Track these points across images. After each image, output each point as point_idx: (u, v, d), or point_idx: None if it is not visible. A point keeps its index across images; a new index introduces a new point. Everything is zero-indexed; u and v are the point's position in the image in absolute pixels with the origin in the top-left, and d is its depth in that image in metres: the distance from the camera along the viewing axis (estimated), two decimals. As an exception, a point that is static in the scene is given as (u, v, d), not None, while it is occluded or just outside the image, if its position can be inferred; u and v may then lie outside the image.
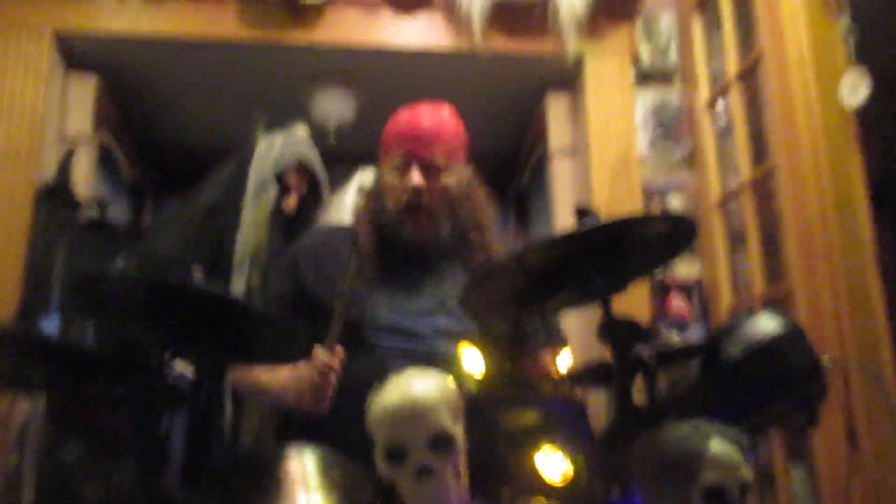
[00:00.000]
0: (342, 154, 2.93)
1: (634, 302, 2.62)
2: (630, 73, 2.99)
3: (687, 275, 2.79)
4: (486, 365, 1.22)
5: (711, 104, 2.86)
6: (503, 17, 2.91)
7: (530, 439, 1.15)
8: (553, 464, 1.12)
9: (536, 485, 1.12)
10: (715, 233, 2.74)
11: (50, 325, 2.26)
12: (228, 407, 2.23)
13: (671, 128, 2.97)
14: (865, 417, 1.92)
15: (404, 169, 1.72)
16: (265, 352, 1.42)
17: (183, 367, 2.10)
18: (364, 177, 2.50)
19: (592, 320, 1.23)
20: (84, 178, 2.82)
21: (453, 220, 1.76)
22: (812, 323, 2.09)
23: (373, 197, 1.81)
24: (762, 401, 1.22)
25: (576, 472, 1.12)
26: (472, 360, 1.23)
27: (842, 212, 2.16)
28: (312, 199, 2.62)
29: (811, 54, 2.28)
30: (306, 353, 1.52)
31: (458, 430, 1.06)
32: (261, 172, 2.52)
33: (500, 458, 1.16)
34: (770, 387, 1.20)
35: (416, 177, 1.70)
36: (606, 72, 2.97)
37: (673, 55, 3.03)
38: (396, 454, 1.04)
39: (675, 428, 1.09)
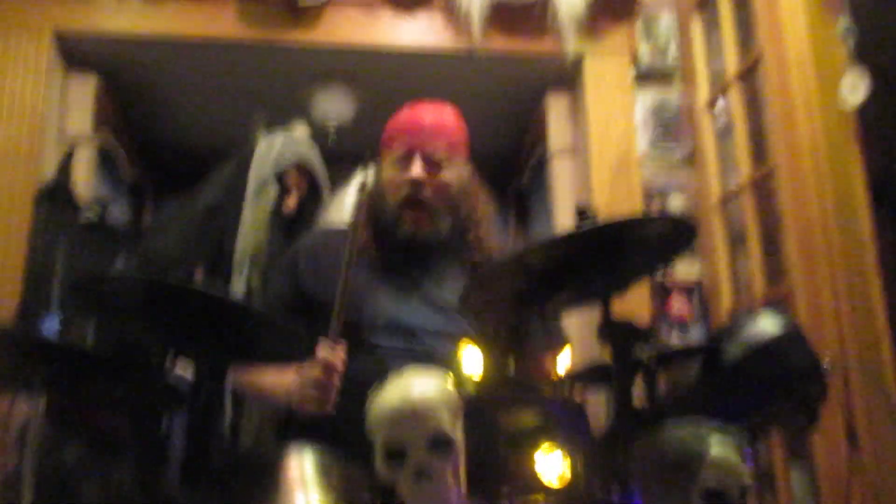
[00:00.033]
0: (342, 154, 2.92)
1: (634, 302, 2.62)
2: (630, 73, 2.99)
3: (687, 275, 2.78)
4: (485, 365, 1.22)
5: (711, 104, 2.86)
6: (503, 17, 2.91)
7: (530, 440, 1.15)
8: (552, 464, 1.12)
9: (536, 485, 1.12)
10: (715, 233, 2.74)
11: (50, 325, 2.26)
12: (228, 407, 2.23)
13: (671, 128, 2.97)
14: (865, 417, 1.92)
15: (405, 162, 1.71)
16: (265, 352, 1.42)
17: (183, 368, 2.10)
18: (364, 176, 2.50)
19: (592, 320, 1.23)
20: (84, 178, 2.82)
21: (453, 217, 1.76)
22: (812, 323, 2.09)
23: (374, 194, 1.80)
24: (762, 401, 1.22)
25: (575, 472, 1.12)
26: (472, 361, 1.23)
27: (842, 212, 2.15)
28: (312, 199, 2.62)
29: (811, 54, 2.28)
30: (306, 354, 1.52)
31: (457, 431, 1.06)
32: (261, 172, 2.51)
33: (500, 458, 1.16)
34: (770, 387, 1.20)
35: (417, 169, 1.70)
36: (606, 72, 2.97)
37: (672, 55, 3.03)
38: (396, 455, 1.04)
39: (675, 428, 1.09)
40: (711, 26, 2.91)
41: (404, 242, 1.73)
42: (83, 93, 2.93)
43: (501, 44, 2.94)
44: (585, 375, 1.50)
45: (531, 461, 1.13)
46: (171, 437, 2.40)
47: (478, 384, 1.21)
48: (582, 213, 1.18)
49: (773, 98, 2.41)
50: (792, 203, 2.29)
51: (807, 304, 2.18)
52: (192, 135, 3.74)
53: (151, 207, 3.96)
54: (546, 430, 1.16)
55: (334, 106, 3.30)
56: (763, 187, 2.56)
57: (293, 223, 2.54)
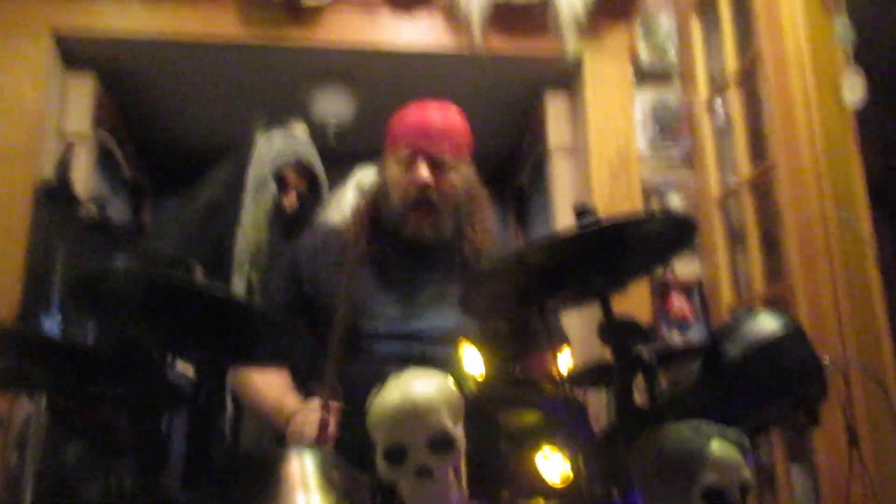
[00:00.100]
0: (342, 154, 2.92)
1: (634, 302, 2.63)
2: (629, 73, 2.99)
3: (687, 275, 2.79)
4: (486, 365, 1.22)
5: (710, 103, 2.86)
6: (503, 18, 2.91)
7: (530, 439, 1.15)
8: (553, 464, 1.12)
9: (536, 485, 1.12)
10: (715, 232, 2.74)
11: (50, 325, 2.25)
12: (228, 407, 2.23)
13: (670, 127, 2.97)
14: (865, 417, 1.92)
15: (411, 164, 1.70)
16: (266, 352, 1.41)
17: (184, 366, 2.10)
18: (362, 175, 2.50)
19: (592, 320, 1.23)
20: (83, 178, 2.82)
21: (456, 219, 1.75)
22: (812, 323, 2.09)
23: (375, 195, 1.79)
24: (763, 401, 1.22)
25: (576, 472, 1.11)
26: (472, 361, 1.23)
27: (842, 211, 2.16)
28: (312, 198, 2.62)
29: (810, 54, 2.28)
30: (306, 354, 1.51)
31: (458, 431, 1.06)
32: (260, 171, 2.51)
33: (500, 458, 1.16)
34: (770, 387, 1.20)
35: (424, 172, 1.68)
36: (606, 71, 2.97)
37: (672, 55, 3.03)
38: (396, 455, 1.04)
39: (675, 428, 1.09)
40: (710, 26, 2.91)
41: (407, 243, 1.72)
42: (82, 93, 2.93)
43: (501, 44, 2.94)
44: (586, 375, 1.50)
45: (532, 461, 1.13)
46: (172, 437, 2.40)
47: (478, 384, 1.20)
48: (580, 212, 1.18)
49: (772, 97, 2.41)
50: (791, 202, 2.29)
51: (807, 304, 2.18)
52: (192, 135, 3.74)
53: (151, 207, 3.95)
54: (547, 430, 1.16)
55: (334, 106, 3.30)
56: (762, 186, 2.56)
57: (293, 222, 2.53)
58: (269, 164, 2.52)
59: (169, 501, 1.31)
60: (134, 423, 1.50)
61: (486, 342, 1.38)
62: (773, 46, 2.40)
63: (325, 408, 1.49)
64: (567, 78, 3.08)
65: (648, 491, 1.07)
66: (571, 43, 2.89)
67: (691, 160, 2.93)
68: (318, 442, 1.46)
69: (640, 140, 2.94)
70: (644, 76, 3.02)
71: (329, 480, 1.10)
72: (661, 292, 2.77)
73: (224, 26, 2.84)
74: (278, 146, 2.56)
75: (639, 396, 1.21)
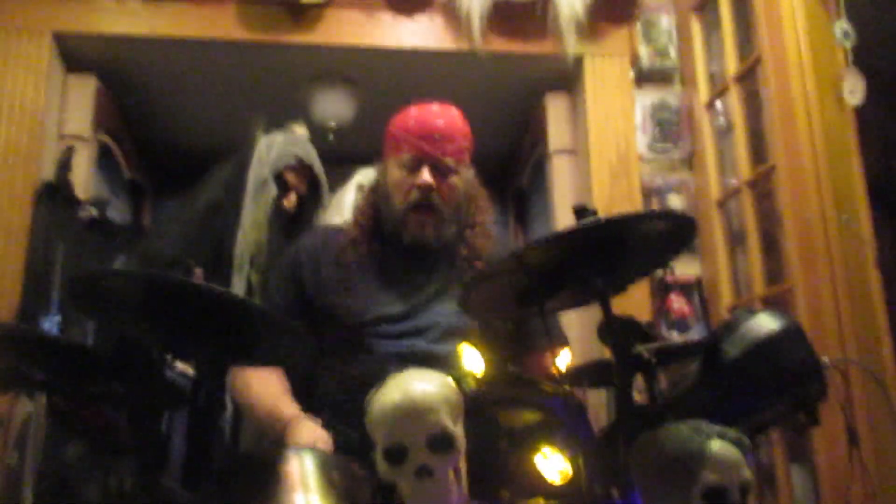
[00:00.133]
0: (342, 154, 2.93)
1: (634, 302, 2.63)
2: (629, 74, 2.99)
3: (687, 275, 2.79)
4: (486, 365, 1.22)
5: (711, 105, 2.86)
6: (503, 18, 2.91)
7: (530, 439, 1.15)
8: (553, 464, 1.12)
9: (536, 485, 1.12)
10: (715, 232, 2.74)
11: (50, 325, 2.26)
12: (229, 407, 2.23)
13: (670, 128, 2.97)
14: (865, 417, 1.92)
15: (414, 167, 1.70)
16: (266, 352, 1.41)
17: (184, 365, 2.10)
18: (363, 177, 2.50)
19: (592, 320, 1.23)
20: (83, 178, 2.82)
21: (457, 221, 1.75)
22: (812, 323, 2.09)
23: (376, 196, 1.79)
24: (762, 400, 1.22)
25: (576, 472, 1.11)
26: (472, 360, 1.23)
27: (842, 212, 2.16)
28: (312, 198, 2.62)
29: (810, 55, 2.28)
30: (306, 354, 1.51)
31: (458, 431, 1.06)
32: (260, 172, 2.51)
33: (500, 458, 1.16)
34: (770, 387, 1.20)
35: (427, 176, 1.68)
36: (606, 72, 2.97)
37: (672, 56, 3.03)
38: (396, 454, 1.04)
39: (675, 428, 1.09)
40: (711, 27, 2.91)
41: (409, 245, 1.72)
42: (83, 94, 2.93)
43: (501, 44, 2.94)
44: (586, 375, 1.50)
45: (532, 461, 1.13)
46: (172, 437, 2.40)
47: (478, 383, 1.20)
48: (580, 211, 1.18)
49: (773, 99, 2.41)
50: (791, 203, 2.29)
51: (807, 304, 2.18)
52: (192, 135, 3.74)
53: (151, 207, 3.96)
54: (547, 430, 1.16)
55: (334, 106, 3.30)
56: (763, 187, 2.56)
57: (293, 223, 2.53)
58: (270, 165, 2.52)
59: (169, 501, 1.31)
60: (134, 423, 1.50)
61: (486, 342, 1.38)
62: (774, 47, 2.40)
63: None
64: (567, 79, 3.08)
65: (648, 491, 1.07)
66: (571, 43, 2.89)
67: (691, 161, 2.93)
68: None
69: (641, 141, 2.94)
70: (644, 77, 3.02)
71: (329, 481, 1.10)
72: (661, 292, 2.77)
73: (224, 26, 2.84)
74: (279, 147, 2.56)
75: (639, 396, 1.21)
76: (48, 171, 2.68)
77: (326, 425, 1.56)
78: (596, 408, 1.61)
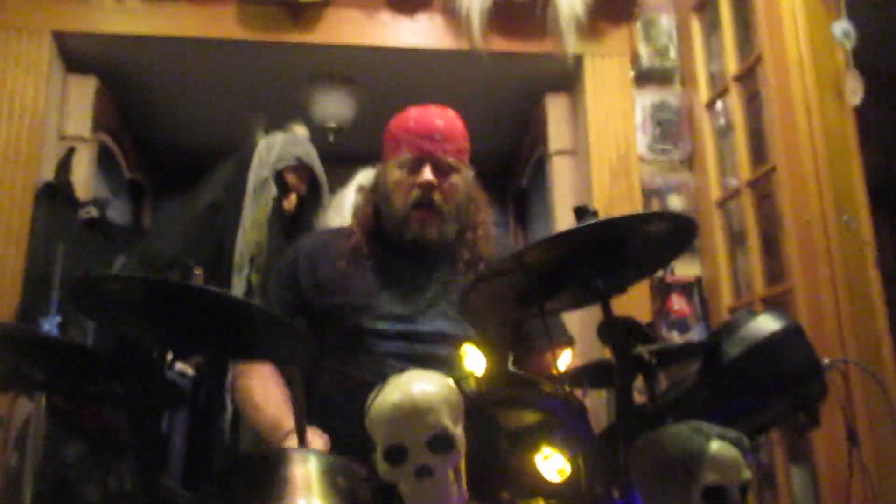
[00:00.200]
0: (342, 154, 2.93)
1: (634, 302, 2.63)
2: (629, 74, 2.99)
3: (687, 275, 2.79)
4: (487, 365, 1.22)
5: (711, 105, 2.86)
6: (503, 18, 2.91)
7: (530, 439, 1.14)
8: (553, 464, 1.12)
9: (536, 485, 1.12)
10: (715, 233, 2.74)
11: (50, 325, 2.26)
12: (229, 407, 2.24)
13: (670, 128, 2.97)
14: (865, 417, 1.92)
15: (415, 167, 1.70)
16: (266, 352, 1.41)
17: (184, 365, 2.10)
18: (363, 178, 2.51)
19: (593, 320, 1.23)
20: (84, 178, 2.82)
21: (458, 222, 1.75)
22: (812, 323, 2.10)
23: (375, 197, 1.79)
24: (762, 401, 1.21)
25: (576, 472, 1.11)
26: (473, 360, 1.23)
27: (842, 212, 2.16)
28: (312, 199, 2.62)
29: (810, 55, 2.28)
30: (306, 354, 1.51)
31: (458, 431, 1.06)
32: (260, 172, 2.52)
33: (500, 458, 1.16)
34: (770, 387, 1.20)
35: (428, 174, 1.68)
36: (606, 72, 2.97)
37: (672, 56, 3.03)
38: (396, 454, 1.04)
39: (675, 428, 1.09)
40: (711, 27, 2.91)
41: (410, 244, 1.72)
42: (83, 93, 2.93)
43: (501, 44, 2.94)
44: (586, 374, 1.50)
45: (532, 461, 1.13)
46: (172, 437, 2.40)
47: (479, 383, 1.20)
48: (581, 212, 1.18)
49: (773, 99, 2.41)
50: (792, 203, 2.29)
51: (807, 304, 2.18)
52: (192, 135, 3.74)
53: (151, 207, 3.96)
54: (547, 430, 1.16)
55: (334, 106, 3.31)
56: (763, 187, 2.56)
57: (293, 223, 2.54)
58: (270, 166, 2.53)
59: (169, 501, 1.31)
60: (134, 423, 1.50)
61: (486, 343, 1.38)
62: (774, 47, 2.40)
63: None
64: (567, 79, 3.08)
65: (648, 491, 1.07)
66: (571, 43, 2.89)
67: (692, 161, 2.93)
68: None
69: (641, 141, 2.94)
70: (644, 77, 3.02)
71: (332, 483, 1.10)
72: (662, 293, 2.77)
73: (224, 26, 2.85)
74: (279, 148, 2.57)
75: (639, 397, 1.21)
76: (48, 172, 2.68)
77: (326, 426, 1.56)
78: (596, 408, 1.61)
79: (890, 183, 2.65)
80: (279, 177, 2.53)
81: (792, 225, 2.29)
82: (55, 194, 2.60)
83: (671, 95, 3.01)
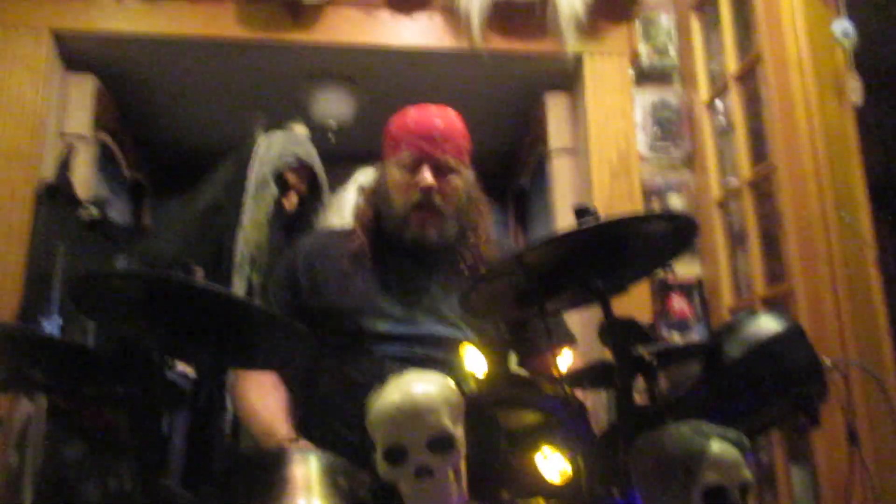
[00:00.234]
0: (342, 154, 2.93)
1: (634, 302, 2.63)
2: (629, 73, 2.99)
3: (687, 275, 2.79)
4: (487, 366, 1.22)
5: (711, 104, 2.86)
6: (502, 17, 2.91)
7: (530, 439, 1.15)
8: (553, 464, 1.12)
9: (536, 485, 1.12)
10: (715, 233, 2.74)
11: (50, 326, 2.26)
12: (229, 407, 2.23)
13: (670, 128, 2.97)
14: (865, 417, 1.92)
15: (415, 168, 1.69)
16: (266, 352, 1.41)
17: (184, 365, 2.09)
18: (363, 177, 2.51)
19: (593, 321, 1.23)
20: (84, 178, 2.82)
21: (458, 223, 1.75)
22: (812, 323, 2.09)
23: (375, 197, 1.79)
24: (763, 401, 1.22)
25: (576, 472, 1.11)
26: (474, 361, 1.23)
27: (842, 212, 2.16)
28: (312, 199, 2.62)
29: (810, 54, 2.28)
30: (306, 354, 1.51)
31: (458, 431, 1.06)
32: (260, 172, 2.52)
33: (500, 458, 1.16)
34: (770, 387, 1.20)
35: (428, 176, 1.68)
36: (606, 72, 2.97)
37: (672, 55, 3.03)
38: (396, 455, 1.04)
39: (675, 428, 1.09)
40: (711, 26, 2.91)
41: (410, 246, 1.72)
42: (82, 93, 2.93)
43: (501, 43, 2.94)
44: (586, 375, 1.50)
45: (532, 461, 1.13)
46: (172, 437, 2.40)
47: (479, 383, 1.20)
48: (581, 212, 1.18)
49: (773, 98, 2.41)
50: (792, 203, 2.29)
51: (807, 304, 2.18)
52: (192, 135, 3.74)
53: (151, 207, 3.96)
54: (547, 430, 1.16)
55: (334, 106, 3.31)
56: (763, 187, 2.56)
57: (293, 223, 2.54)
58: (270, 166, 2.53)
59: (169, 501, 1.31)
60: (134, 424, 1.50)
61: (486, 344, 1.38)
62: (774, 46, 2.40)
63: None
64: (567, 78, 3.08)
65: (648, 491, 1.07)
66: (571, 42, 2.89)
67: (692, 161, 2.93)
68: None
69: (641, 140, 2.94)
70: (644, 76, 3.02)
71: (332, 483, 1.10)
72: (661, 293, 2.77)
73: (224, 26, 2.84)
74: (279, 147, 2.57)
75: (639, 397, 1.21)
76: (48, 171, 2.68)
77: (326, 426, 1.56)
78: (596, 408, 1.61)
79: (890, 183, 2.65)
80: (279, 176, 2.53)
81: (792, 225, 2.29)
82: (55, 194, 2.60)
83: (671, 94, 3.01)
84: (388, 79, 3.16)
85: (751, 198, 2.59)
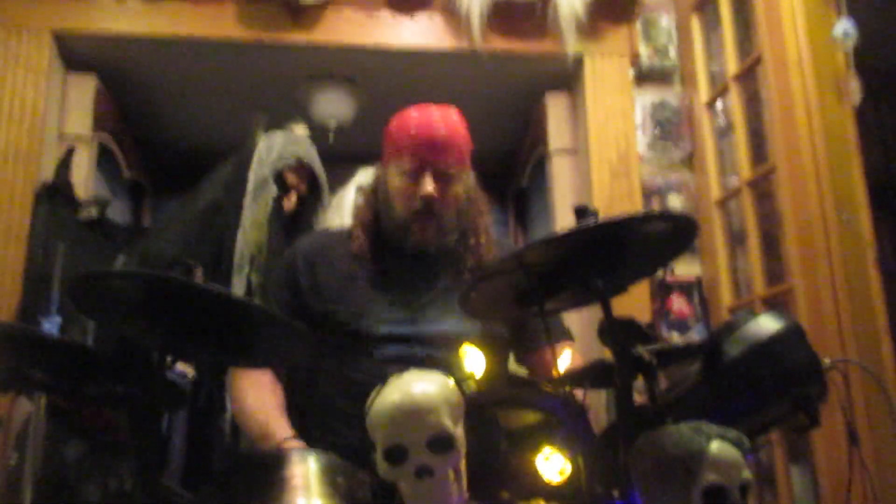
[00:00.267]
0: (342, 154, 2.93)
1: (634, 302, 2.63)
2: (629, 74, 2.99)
3: (687, 275, 2.79)
4: (486, 365, 1.22)
5: (711, 104, 2.86)
6: (503, 18, 2.91)
7: (530, 439, 1.15)
8: (553, 464, 1.12)
9: (536, 485, 1.12)
10: (715, 232, 2.74)
11: (50, 325, 2.26)
12: (229, 407, 2.23)
13: (670, 128, 2.98)
14: (865, 417, 1.92)
15: (416, 176, 1.68)
16: (266, 352, 1.41)
17: (184, 364, 2.10)
18: (363, 177, 2.51)
19: (593, 320, 1.23)
20: (84, 178, 2.82)
21: (458, 226, 1.75)
22: (812, 323, 2.10)
23: (375, 199, 1.78)
24: (763, 401, 1.22)
25: (576, 472, 1.11)
26: (473, 360, 1.23)
27: (842, 212, 2.16)
28: (312, 199, 2.62)
29: (810, 54, 2.28)
30: (306, 354, 1.51)
31: (458, 431, 1.06)
32: (260, 172, 2.52)
33: (500, 458, 1.16)
34: (770, 387, 1.20)
35: (429, 185, 1.66)
36: (606, 72, 2.97)
37: (672, 55, 3.03)
38: (396, 455, 1.04)
39: (675, 428, 1.09)
40: (711, 27, 2.91)
41: (411, 252, 1.72)
42: (83, 93, 2.93)
43: (501, 44, 2.94)
44: (585, 375, 1.50)
45: (532, 461, 1.13)
46: (172, 437, 2.40)
47: (479, 383, 1.20)
48: (581, 212, 1.18)
49: (773, 98, 2.41)
50: (792, 203, 2.29)
51: (807, 304, 2.18)
52: (192, 135, 3.74)
53: (151, 207, 3.96)
54: (547, 430, 1.16)
55: (334, 106, 3.31)
56: (763, 187, 2.56)
57: (293, 223, 2.54)
58: (270, 166, 2.53)
59: (169, 501, 1.31)
60: (134, 424, 1.50)
61: (486, 343, 1.38)
62: (774, 47, 2.40)
63: None
64: (567, 79, 3.08)
65: (648, 491, 1.07)
66: (571, 43, 2.89)
67: (692, 161, 2.93)
68: None
69: (641, 141, 2.94)
70: (644, 77, 3.02)
71: (332, 483, 1.10)
72: (661, 293, 2.77)
73: (224, 26, 2.84)
74: (279, 147, 2.57)
75: (639, 397, 1.21)
76: (48, 171, 2.68)
77: (326, 427, 1.56)
78: (596, 408, 1.61)
79: (890, 183, 2.64)
80: (279, 176, 2.53)
81: (792, 225, 2.29)
82: (55, 194, 2.60)
83: (671, 95, 3.01)
84: (388, 79, 3.16)
85: (751, 198, 2.59)
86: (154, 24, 2.82)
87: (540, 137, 3.25)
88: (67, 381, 1.42)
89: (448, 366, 1.33)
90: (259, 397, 1.67)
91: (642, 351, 1.19)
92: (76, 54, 2.88)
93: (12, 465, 1.81)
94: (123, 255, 2.52)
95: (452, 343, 1.60)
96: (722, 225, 2.75)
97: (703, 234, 2.77)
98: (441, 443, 1.03)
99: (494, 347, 1.58)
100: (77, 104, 2.90)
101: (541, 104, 3.19)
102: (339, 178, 2.65)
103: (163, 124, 3.63)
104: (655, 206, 2.87)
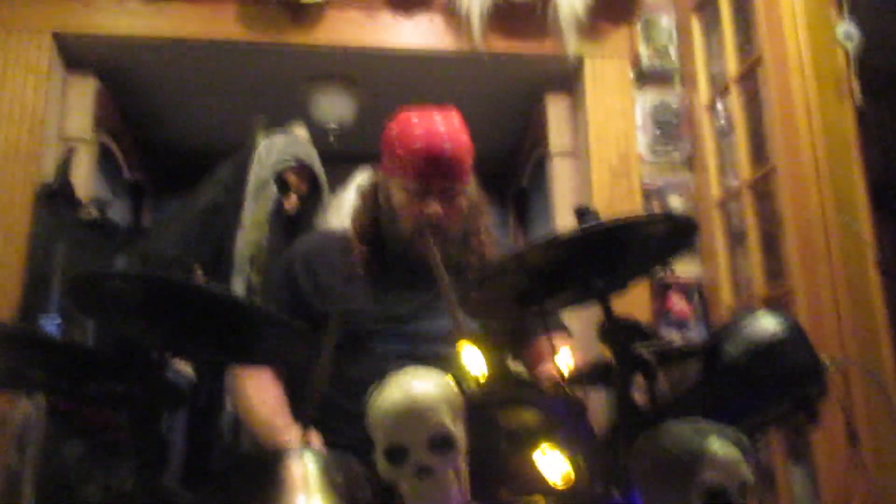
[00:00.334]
0: (342, 154, 2.93)
1: (634, 302, 2.63)
2: (630, 74, 2.99)
3: (687, 275, 2.79)
4: (486, 365, 1.22)
5: (711, 105, 2.86)
6: (503, 18, 2.91)
7: (530, 439, 1.15)
8: (553, 464, 1.12)
9: (536, 485, 1.12)
10: (715, 233, 2.74)
11: (50, 325, 2.26)
12: (229, 407, 2.23)
13: (671, 129, 2.97)
14: (865, 417, 1.92)
15: (421, 194, 1.67)
16: (266, 351, 1.41)
17: (184, 364, 2.10)
18: (363, 178, 2.51)
19: (592, 320, 1.23)
20: (84, 179, 2.82)
21: (462, 237, 1.75)
22: (812, 323, 2.09)
23: (375, 205, 1.77)
24: (763, 401, 1.21)
25: (576, 472, 1.11)
26: (473, 360, 1.23)
27: (842, 212, 2.16)
28: (313, 199, 2.62)
29: (810, 55, 2.28)
30: (306, 354, 1.51)
31: (458, 430, 1.06)
32: (261, 173, 2.52)
33: (500, 458, 1.16)
34: (770, 387, 1.20)
35: (435, 206, 1.66)
36: (606, 73, 2.97)
37: (672, 56, 3.03)
38: (396, 454, 1.04)
39: (675, 428, 1.09)
40: (711, 28, 2.91)
41: (413, 263, 1.72)
42: (83, 94, 2.93)
43: (501, 45, 2.94)
44: (585, 375, 1.50)
45: (532, 461, 1.13)
46: (172, 437, 2.40)
47: (479, 382, 1.20)
48: (581, 213, 1.18)
49: (773, 99, 2.41)
50: (792, 203, 2.29)
51: (807, 304, 2.18)
52: (192, 135, 3.74)
53: (151, 207, 3.96)
54: (547, 430, 1.16)
55: (334, 107, 3.31)
56: (763, 187, 2.56)
57: (293, 223, 2.54)
58: (270, 167, 2.53)
59: (169, 501, 1.31)
60: (134, 423, 1.50)
61: (486, 344, 1.38)
62: (774, 48, 2.40)
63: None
64: (567, 80, 3.08)
65: (648, 491, 1.07)
66: (572, 44, 2.89)
67: (692, 162, 2.93)
68: None
69: (641, 142, 2.94)
70: (645, 78, 3.02)
71: (331, 481, 1.10)
72: (661, 293, 2.77)
73: (224, 26, 2.85)
74: (279, 148, 2.57)
75: (639, 397, 1.21)
76: (48, 172, 2.68)
77: (326, 426, 1.56)
78: (596, 408, 1.61)
79: (890, 183, 2.64)
80: (279, 177, 2.53)
81: (792, 225, 2.29)
82: (55, 195, 2.60)
83: (671, 96, 3.01)
84: (388, 80, 3.16)
85: (751, 198, 2.59)
86: (154, 25, 2.83)
87: (540, 138, 3.25)
88: (67, 381, 1.42)
89: (449, 363, 1.33)
90: (260, 393, 1.67)
91: (642, 351, 1.19)
92: (76, 55, 2.88)
93: (12, 465, 1.81)
94: (123, 256, 2.52)
95: (453, 342, 1.60)
96: (722, 225, 2.75)
97: (703, 234, 2.77)
98: (441, 442, 1.03)
99: (494, 346, 1.58)
100: (77, 105, 2.90)
101: (541, 105, 3.19)
102: (339, 179, 2.65)
103: (163, 125, 3.63)
104: (655, 206, 2.87)
